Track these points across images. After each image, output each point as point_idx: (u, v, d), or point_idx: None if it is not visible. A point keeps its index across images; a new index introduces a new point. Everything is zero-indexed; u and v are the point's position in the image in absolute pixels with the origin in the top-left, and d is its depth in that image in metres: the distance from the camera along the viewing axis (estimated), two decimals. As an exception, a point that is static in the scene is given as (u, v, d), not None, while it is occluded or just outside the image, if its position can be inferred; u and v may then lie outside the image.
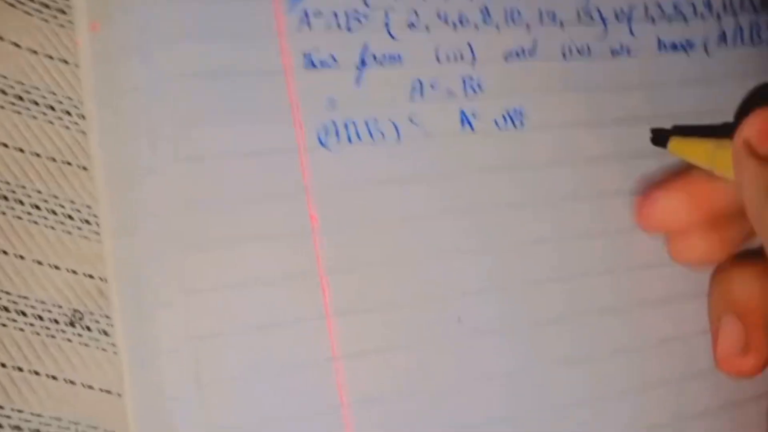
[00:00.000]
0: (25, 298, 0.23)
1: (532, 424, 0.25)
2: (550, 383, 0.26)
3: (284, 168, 0.24)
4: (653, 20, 0.29)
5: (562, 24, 0.27)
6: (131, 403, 0.23)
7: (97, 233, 0.24)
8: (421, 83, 0.25)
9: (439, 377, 0.25)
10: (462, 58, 0.26)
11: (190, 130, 0.23)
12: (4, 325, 0.23)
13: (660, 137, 0.27)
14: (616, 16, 0.28)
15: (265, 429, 0.23)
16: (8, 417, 0.22)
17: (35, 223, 0.23)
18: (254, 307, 0.23)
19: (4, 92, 0.23)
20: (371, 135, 0.25)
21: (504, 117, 0.26)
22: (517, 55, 0.27)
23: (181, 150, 0.23)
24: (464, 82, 0.26)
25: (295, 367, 0.23)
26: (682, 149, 0.27)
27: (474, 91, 0.26)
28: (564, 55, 0.27)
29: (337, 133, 0.24)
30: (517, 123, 0.27)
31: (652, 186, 0.27)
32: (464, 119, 0.26)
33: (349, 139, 0.25)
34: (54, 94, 0.24)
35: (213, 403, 0.22)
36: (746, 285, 0.26)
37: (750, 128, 0.23)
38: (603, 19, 0.28)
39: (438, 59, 0.26)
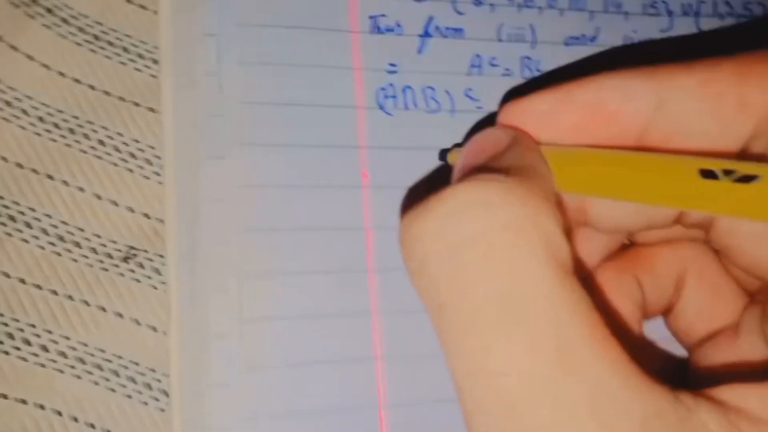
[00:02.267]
0: (81, 230, 0.24)
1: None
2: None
3: (342, 124, 0.24)
4: (721, 17, 0.29)
5: (626, 14, 0.28)
6: (175, 340, 0.23)
7: (158, 173, 0.24)
8: (480, 59, 0.26)
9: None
10: (523, 39, 0.27)
11: (256, 75, 0.23)
12: (58, 254, 0.23)
13: (444, 153, 0.25)
14: (684, 11, 0.28)
15: (303, 369, 0.23)
16: (55, 342, 0.23)
17: (98, 158, 0.24)
18: (304, 248, 0.23)
19: (82, 30, 0.24)
20: (427, 103, 0.25)
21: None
22: (578, 39, 0.27)
23: (247, 93, 0.23)
24: (523, 62, 0.26)
25: (335, 307, 0.23)
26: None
27: (532, 72, 0.26)
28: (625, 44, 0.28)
29: (394, 97, 0.25)
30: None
31: None
32: (520, 98, 0.26)
33: (406, 105, 0.25)
34: (129, 36, 0.24)
35: (254, 343, 0.23)
36: None
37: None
38: (669, 12, 0.28)
39: (500, 38, 0.26)
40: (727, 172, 0.17)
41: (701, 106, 0.19)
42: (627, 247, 0.24)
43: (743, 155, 0.19)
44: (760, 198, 0.16)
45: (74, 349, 0.23)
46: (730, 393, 0.16)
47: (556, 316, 0.15)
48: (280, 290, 0.23)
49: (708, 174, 0.17)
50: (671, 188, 0.18)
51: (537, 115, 0.20)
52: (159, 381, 0.23)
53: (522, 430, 0.15)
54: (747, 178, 0.16)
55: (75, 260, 0.24)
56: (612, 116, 0.20)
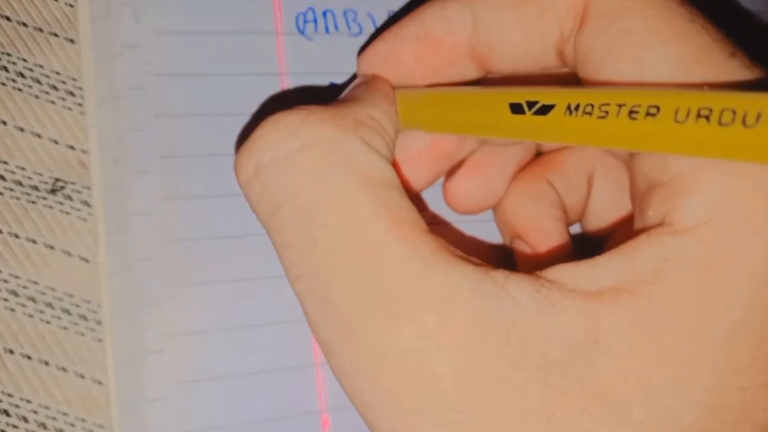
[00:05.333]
0: (4, 163, 0.23)
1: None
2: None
3: (261, 50, 0.24)
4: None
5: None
6: (103, 267, 0.23)
7: (81, 105, 0.24)
8: (400, -20, 0.26)
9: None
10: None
11: (172, 3, 0.23)
12: (-16, 189, 0.23)
13: None
14: None
15: (233, 292, 0.23)
16: (-14, 276, 0.23)
17: (19, 90, 0.24)
18: (226, 170, 0.24)
19: (-7, -39, 0.24)
20: (349, 26, 0.26)
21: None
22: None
23: (164, 22, 0.23)
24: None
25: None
26: None
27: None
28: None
29: (315, 21, 0.25)
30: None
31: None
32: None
33: (327, 29, 0.25)
34: (42, -33, 0.24)
35: (182, 262, 0.23)
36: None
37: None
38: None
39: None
40: (531, 104, 0.18)
41: (508, 15, 0.20)
42: (538, 156, 0.25)
43: (559, 69, 0.21)
44: (556, 126, 0.17)
45: (6, 281, 0.23)
46: (551, 272, 0.17)
47: (354, 216, 0.17)
48: (202, 213, 0.23)
49: (516, 107, 0.18)
50: (488, 123, 0.19)
51: (381, 57, 0.22)
52: (94, 312, 0.24)
53: (335, 320, 0.17)
54: (546, 108, 0.18)
55: (0, 193, 0.23)
56: (439, 42, 0.21)
